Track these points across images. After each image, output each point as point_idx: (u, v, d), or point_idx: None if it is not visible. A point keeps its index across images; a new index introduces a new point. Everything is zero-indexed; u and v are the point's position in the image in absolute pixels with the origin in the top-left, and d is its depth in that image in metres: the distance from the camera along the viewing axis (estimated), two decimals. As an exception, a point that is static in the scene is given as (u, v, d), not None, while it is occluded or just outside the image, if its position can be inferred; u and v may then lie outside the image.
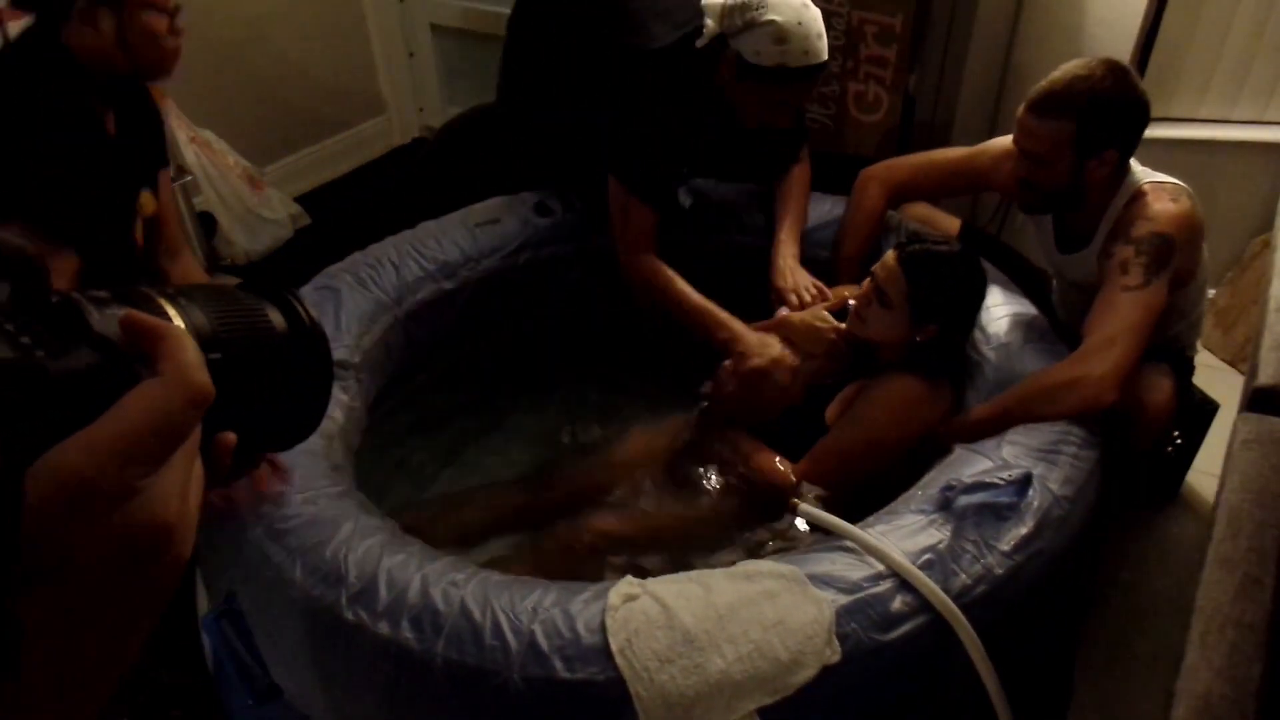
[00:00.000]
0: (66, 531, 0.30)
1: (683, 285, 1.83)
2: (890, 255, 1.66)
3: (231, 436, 0.38)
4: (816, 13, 1.70)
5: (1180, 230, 1.57)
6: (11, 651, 0.30)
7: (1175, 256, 1.55)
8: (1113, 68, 1.57)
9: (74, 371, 0.32)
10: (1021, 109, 1.62)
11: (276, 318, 0.42)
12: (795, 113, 1.92)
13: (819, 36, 1.69)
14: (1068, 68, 1.59)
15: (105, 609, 0.32)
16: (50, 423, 0.31)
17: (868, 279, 1.71)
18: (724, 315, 1.80)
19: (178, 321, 0.37)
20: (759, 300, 1.92)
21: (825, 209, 2.10)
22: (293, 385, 0.43)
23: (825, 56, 1.72)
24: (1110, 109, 1.56)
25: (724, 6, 1.71)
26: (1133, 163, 1.69)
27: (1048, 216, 1.81)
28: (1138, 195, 1.63)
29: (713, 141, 1.96)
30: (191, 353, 0.34)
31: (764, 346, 1.75)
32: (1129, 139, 1.60)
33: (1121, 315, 1.50)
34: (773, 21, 1.65)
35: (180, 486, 0.34)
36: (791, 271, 1.92)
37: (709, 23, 1.75)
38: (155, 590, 0.34)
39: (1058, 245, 1.81)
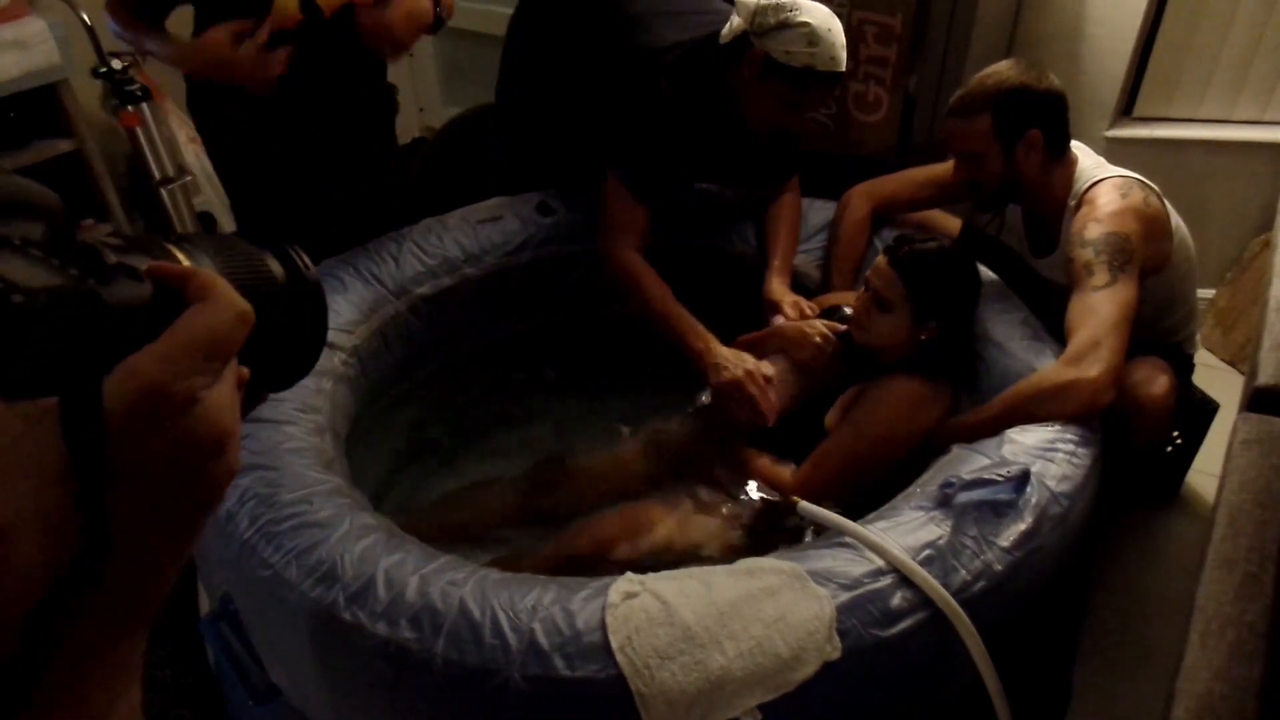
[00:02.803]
0: (144, 432, 0.33)
1: (661, 287, 1.82)
2: (881, 260, 1.68)
3: (246, 370, 0.41)
4: (841, 26, 1.75)
5: (1131, 224, 1.59)
6: (102, 547, 0.33)
7: (1135, 250, 1.57)
8: (1017, 61, 1.71)
9: (128, 298, 0.35)
10: (946, 118, 1.74)
11: (275, 266, 0.45)
12: (806, 120, 1.95)
13: (843, 47, 1.74)
14: (979, 73, 1.72)
15: (173, 510, 0.35)
16: (110, 342, 0.34)
17: (862, 289, 1.71)
18: (699, 326, 1.78)
19: (187, 264, 0.40)
20: (753, 310, 1.92)
21: (826, 217, 2.10)
22: (291, 329, 0.46)
23: (844, 69, 1.76)
24: (1019, 93, 1.67)
25: (756, 5, 1.73)
26: (1085, 160, 1.74)
27: (1020, 223, 1.85)
28: (1087, 195, 1.67)
29: (713, 147, 1.96)
30: (226, 283, 0.38)
31: (737, 359, 1.73)
32: (1049, 119, 1.68)
33: (1100, 315, 1.52)
34: (807, 24, 1.69)
35: (231, 400, 0.37)
36: (785, 293, 1.93)
37: (736, 20, 1.76)
38: (211, 496, 0.36)
39: (1031, 251, 1.85)
